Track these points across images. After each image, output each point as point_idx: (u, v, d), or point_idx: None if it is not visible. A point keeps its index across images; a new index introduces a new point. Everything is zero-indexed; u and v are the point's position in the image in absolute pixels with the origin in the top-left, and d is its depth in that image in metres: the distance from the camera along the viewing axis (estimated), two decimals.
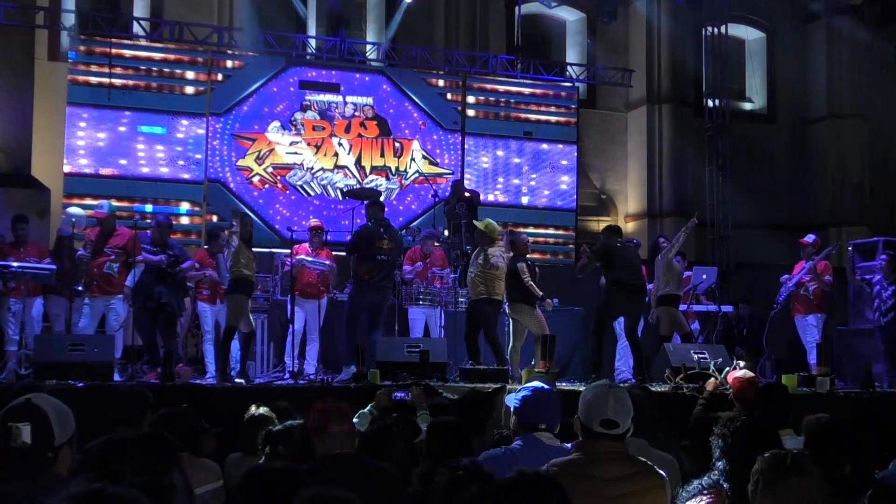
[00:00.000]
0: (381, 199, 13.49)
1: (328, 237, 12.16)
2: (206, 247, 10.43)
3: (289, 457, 4.49)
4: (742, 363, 8.77)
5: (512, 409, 4.03)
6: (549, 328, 9.40)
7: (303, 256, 9.78)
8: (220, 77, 13.93)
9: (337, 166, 14.30)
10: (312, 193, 14.19)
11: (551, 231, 15.44)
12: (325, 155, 14.26)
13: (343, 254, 10.65)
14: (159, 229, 9.28)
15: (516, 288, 9.40)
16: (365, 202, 10.44)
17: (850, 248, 11.53)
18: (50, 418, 2.87)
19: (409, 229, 12.83)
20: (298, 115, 14.17)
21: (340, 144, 14.32)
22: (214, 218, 13.33)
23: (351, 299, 9.42)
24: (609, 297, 9.38)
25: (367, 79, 14.74)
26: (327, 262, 10.19)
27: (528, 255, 9.69)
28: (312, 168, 14.17)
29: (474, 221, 10.11)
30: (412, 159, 14.66)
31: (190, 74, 13.85)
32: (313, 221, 10.68)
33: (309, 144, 14.18)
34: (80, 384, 7.58)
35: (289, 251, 9.96)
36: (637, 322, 9.69)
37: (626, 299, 9.31)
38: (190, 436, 4.42)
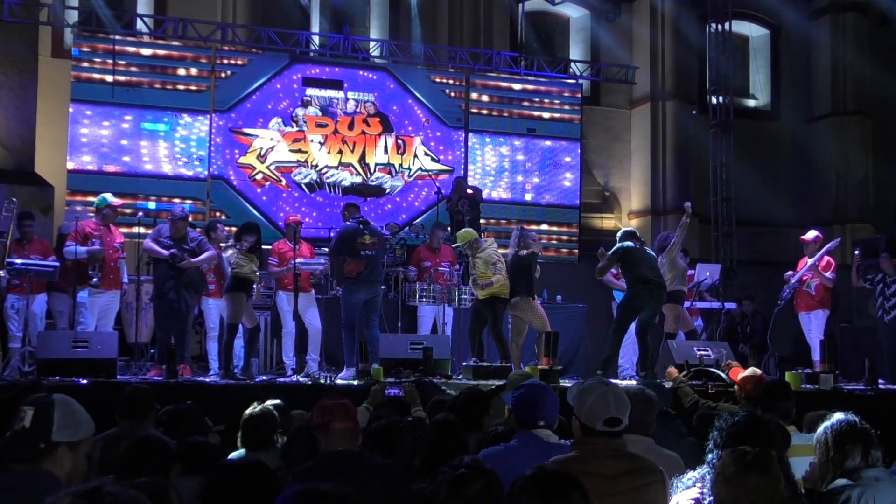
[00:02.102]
0: (385, 195, 13.61)
1: (332, 233, 12.17)
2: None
3: (293, 453, 4.50)
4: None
5: (510, 407, 4.02)
6: (552, 325, 9.46)
7: (300, 260, 9.79)
8: (223, 74, 13.92)
9: (341, 163, 14.30)
10: (316, 190, 14.18)
11: (555, 228, 15.43)
12: (328, 152, 14.26)
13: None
14: (174, 224, 9.30)
15: (518, 284, 9.47)
16: (366, 199, 10.53)
17: (856, 252, 11.45)
18: (54, 411, 2.87)
19: (413, 226, 12.82)
20: (300, 111, 14.16)
21: (344, 142, 14.31)
22: (217, 214, 13.33)
23: (344, 300, 9.48)
24: (633, 293, 9.40)
25: (370, 76, 14.72)
26: (321, 261, 10.27)
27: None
28: (317, 165, 14.17)
29: (452, 246, 10.28)
30: (415, 156, 14.65)
31: (193, 71, 13.83)
32: (291, 217, 10.59)
33: (311, 142, 14.18)
34: (84, 381, 7.59)
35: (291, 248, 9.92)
36: (654, 319, 9.72)
37: (650, 296, 9.36)
38: (194, 433, 4.43)
